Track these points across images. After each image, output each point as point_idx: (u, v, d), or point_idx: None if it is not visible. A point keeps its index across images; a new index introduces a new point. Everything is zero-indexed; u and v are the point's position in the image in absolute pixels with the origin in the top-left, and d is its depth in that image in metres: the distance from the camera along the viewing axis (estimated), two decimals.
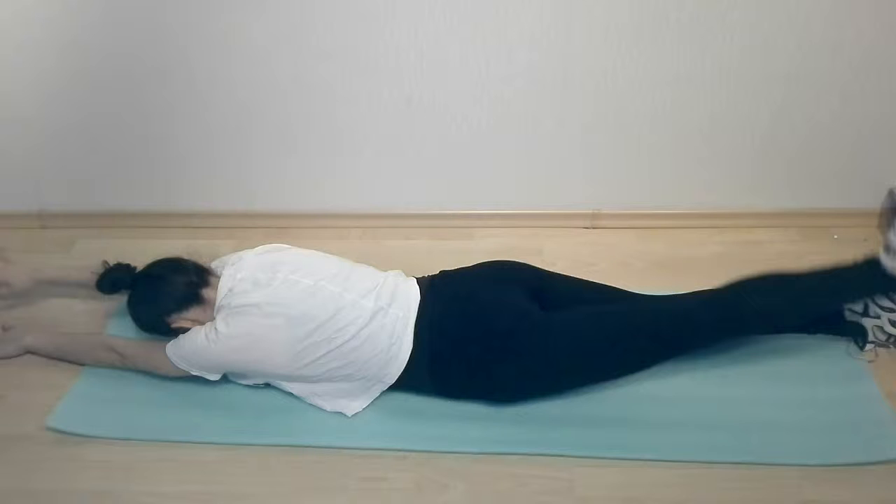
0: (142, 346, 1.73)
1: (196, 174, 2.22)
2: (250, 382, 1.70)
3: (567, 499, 1.48)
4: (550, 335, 1.60)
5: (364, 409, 1.65)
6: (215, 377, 1.67)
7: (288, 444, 1.60)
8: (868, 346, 1.72)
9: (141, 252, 1.81)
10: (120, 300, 1.83)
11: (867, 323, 1.73)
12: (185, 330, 1.66)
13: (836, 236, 2.19)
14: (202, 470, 1.56)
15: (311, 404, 1.66)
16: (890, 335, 1.72)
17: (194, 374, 1.65)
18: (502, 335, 1.60)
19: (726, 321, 1.67)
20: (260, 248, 1.75)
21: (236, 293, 1.62)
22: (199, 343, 1.60)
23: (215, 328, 1.59)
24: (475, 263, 1.78)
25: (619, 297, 1.76)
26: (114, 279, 1.77)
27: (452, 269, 1.78)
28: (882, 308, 1.71)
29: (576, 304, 1.70)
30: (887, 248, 1.65)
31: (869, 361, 1.72)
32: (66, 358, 1.79)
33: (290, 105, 2.06)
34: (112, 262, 1.82)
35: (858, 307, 1.74)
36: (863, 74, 1.96)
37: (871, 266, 1.67)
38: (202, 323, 1.66)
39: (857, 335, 1.75)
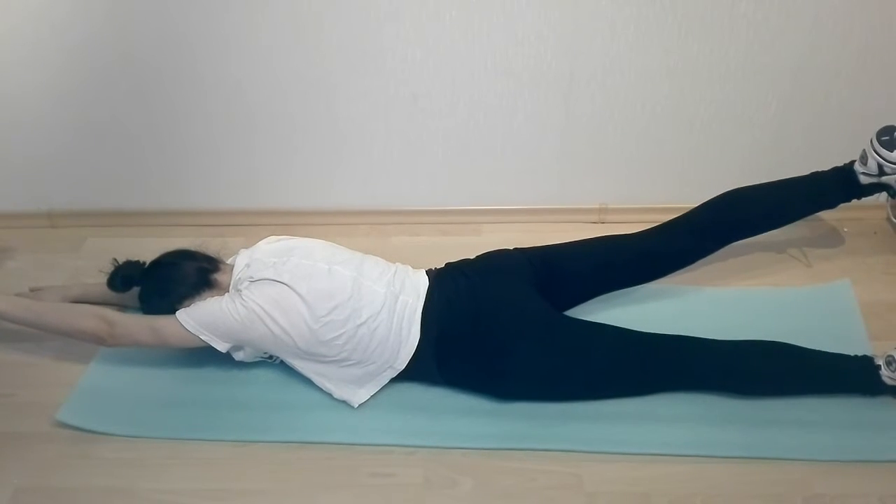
0: (140, 317, 1.67)
1: (203, 172, 2.22)
2: (255, 358, 1.69)
3: (575, 494, 1.48)
4: (560, 345, 1.60)
5: (371, 400, 1.65)
6: (224, 346, 1.61)
7: (297, 440, 1.61)
8: None
9: (150, 250, 1.81)
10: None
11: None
12: None
13: (846, 229, 2.18)
14: (212, 467, 1.57)
15: (318, 387, 1.66)
16: None
17: (203, 340, 1.59)
18: (512, 336, 1.60)
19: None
20: (271, 238, 1.77)
21: (254, 268, 1.62)
22: (218, 307, 1.58)
23: (238, 292, 1.58)
24: (480, 254, 1.78)
25: (621, 247, 1.81)
26: (124, 275, 1.75)
27: (458, 260, 1.79)
28: (892, 164, 1.74)
29: (586, 285, 1.79)
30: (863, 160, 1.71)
31: None
32: (41, 326, 1.65)
33: (295, 103, 2.06)
34: (121, 260, 1.82)
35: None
36: (871, 67, 1.94)
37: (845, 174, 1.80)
38: None
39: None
